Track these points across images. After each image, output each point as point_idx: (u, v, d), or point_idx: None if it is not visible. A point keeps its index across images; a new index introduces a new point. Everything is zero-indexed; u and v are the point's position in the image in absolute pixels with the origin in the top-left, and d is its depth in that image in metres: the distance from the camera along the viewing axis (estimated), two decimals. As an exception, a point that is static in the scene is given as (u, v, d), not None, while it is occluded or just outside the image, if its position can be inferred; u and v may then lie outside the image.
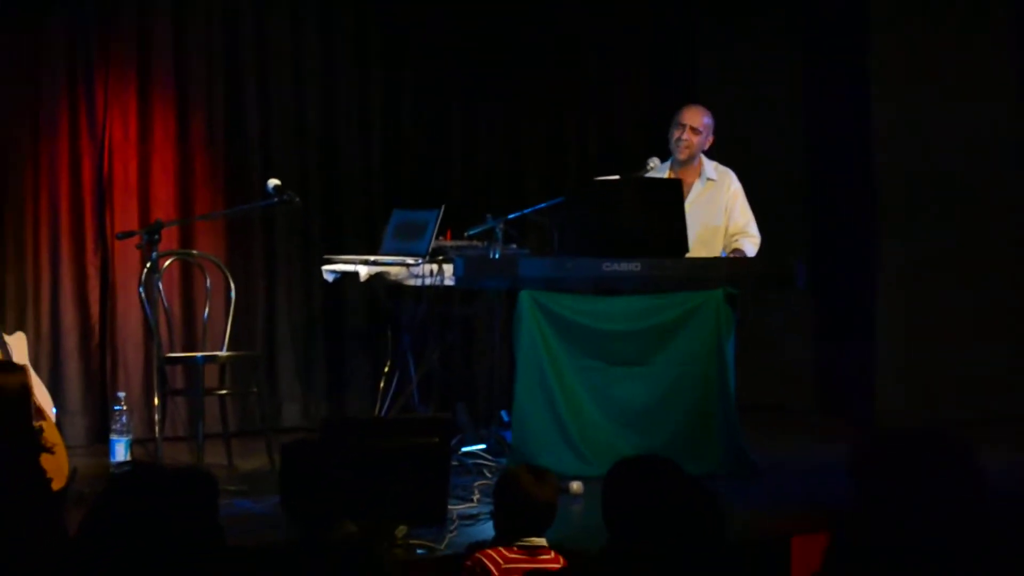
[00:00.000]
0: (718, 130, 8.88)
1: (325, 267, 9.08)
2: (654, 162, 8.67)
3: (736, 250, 8.53)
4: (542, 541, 5.26)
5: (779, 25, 10.91)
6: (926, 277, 9.99)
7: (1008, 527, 3.84)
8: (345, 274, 8.93)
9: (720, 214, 8.62)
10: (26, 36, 9.50)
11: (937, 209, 9.94)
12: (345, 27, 10.42)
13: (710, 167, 8.68)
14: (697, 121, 8.63)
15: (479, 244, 8.48)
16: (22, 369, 5.79)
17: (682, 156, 8.60)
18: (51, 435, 7.48)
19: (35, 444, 5.43)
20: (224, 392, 9.06)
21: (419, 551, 6.38)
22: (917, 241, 10.00)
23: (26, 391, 5.39)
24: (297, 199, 8.91)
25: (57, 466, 7.31)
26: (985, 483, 3.73)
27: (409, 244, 8.56)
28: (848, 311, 10.24)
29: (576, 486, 7.49)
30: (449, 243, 8.50)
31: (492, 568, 5.14)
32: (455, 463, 7.64)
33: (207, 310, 9.27)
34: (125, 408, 8.66)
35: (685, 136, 8.59)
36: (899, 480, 3.69)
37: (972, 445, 3.74)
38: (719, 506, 3.99)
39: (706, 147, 8.68)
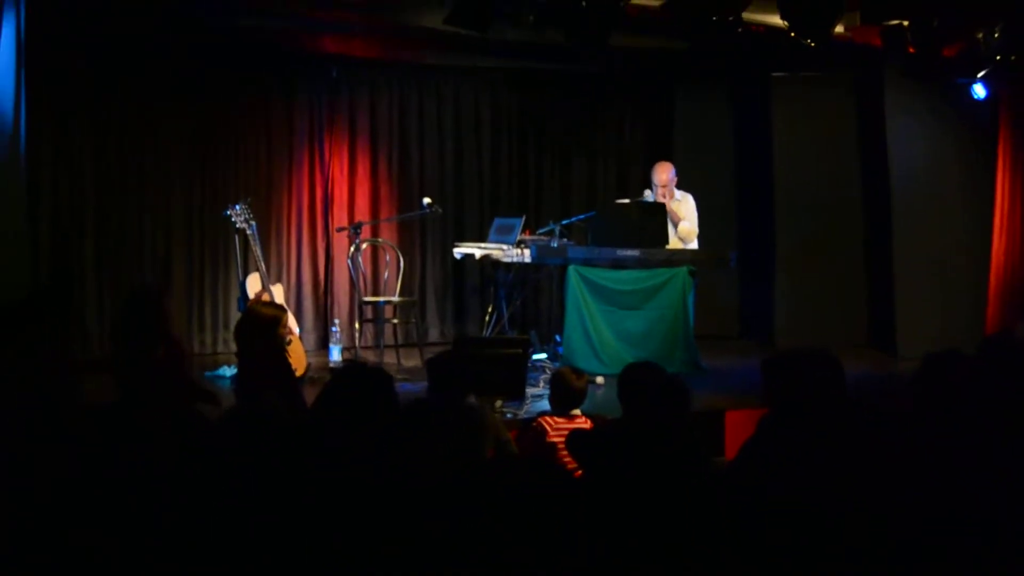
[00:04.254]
0: (683, 168, 8.79)
1: (455, 249, 9.02)
2: (648, 192, 8.57)
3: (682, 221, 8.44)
4: (577, 411, 5.23)
5: (722, 101, 10.75)
6: (802, 256, 9.85)
7: (858, 409, 3.77)
8: (466, 254, 8.88)
9: (684, 219, 8.48)
10: (286, 111, 9.55)
11: (808, 214, 9.79)
12: (469, 110, 10.34)
13: (678, 193, 8.51)
14: (664, 178, 8.45)
15: (545, 238, 8.41)
16: (280, 307, 5.81)
17: (659, 195, 8.45)
18: (296, 343, 7.52)
19: (283, 348, 5.45)
20: (395, 321, 9.03)
21: (507, 415, 6.40)
22: (796, 233, 9.86)
23: (278, 320, 5.40)
24: (439, 209, 8.91)
25: (299, 361, 7.35)
26: (844, 381, 3.66)
27: (504, 237, 8.51)
28: (758, 277, 10.12)
29: (600, 379, 7.46)
30: (528, 237, 8.43)
31: (548, 427, 5.12)
32: (530, 365, 7.57)
33: (386, 273, 9.31)
34: (338, 329, 8.70)
35: (660, 191, 8.44)
36: (793, 379, 3.63)
37: (838, 357, 3.69)
38: (686, 390, 3.95)
39: (674, 184, 8.52)
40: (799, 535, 3.09)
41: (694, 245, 8.48)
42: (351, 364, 5.32)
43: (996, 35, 7.95)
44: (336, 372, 4.00)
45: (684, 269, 8.07)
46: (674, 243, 8.35)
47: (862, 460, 3.44)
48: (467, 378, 4.92)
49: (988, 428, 3.63)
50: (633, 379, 4.01)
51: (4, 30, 6.74)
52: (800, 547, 3.05)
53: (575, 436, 4.27)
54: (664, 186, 8.44)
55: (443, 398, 4.76)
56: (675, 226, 8.41)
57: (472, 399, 5.12)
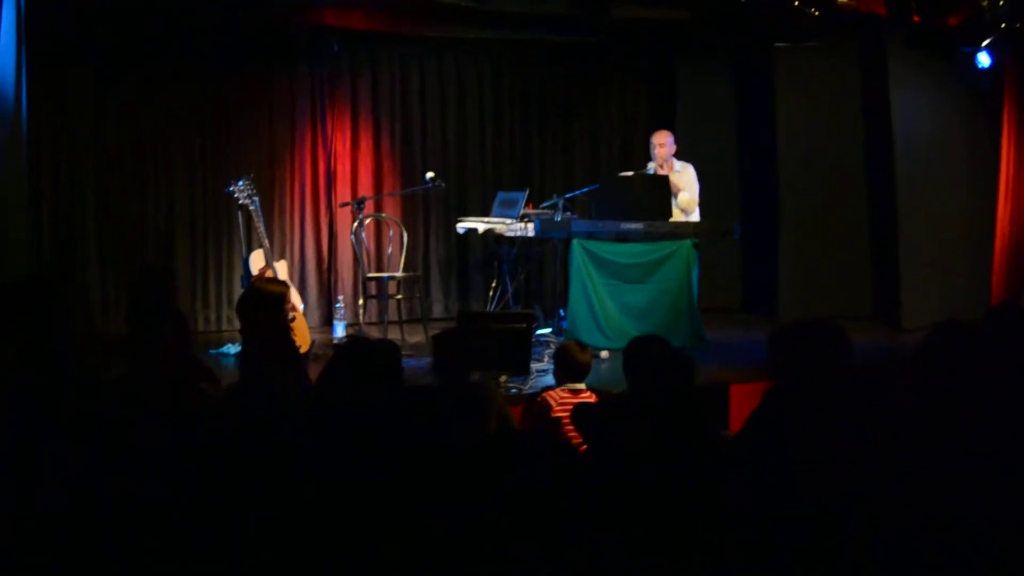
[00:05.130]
0: (685, 140, 8.81)
1: (458, 224, 9.01)
2: (651, 164, 8.55)
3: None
4: (582, 386, 5.22)
5: (724, 71, 10.71)
6: (805, 228, 9.82)
7: (863, 379, 3.76)
8: (470, 229, 8.86)
9: (684, 190, 8.45)
10: (288, 86, 9.53)
11: (811, 186, 9.76)
12: (471, 83, 10.31)
13: (678, 164, 8.47)
14: (663, 140, 8.42)
15: (548, 211, 8.39)
16: (283, 283, 5.81)
17: (658, 164, 8.44)
18: (300, 320, 7.51)
19: (287, 325, 5.44)
20: (399, 297, 9.01)
21: (512, 391, 6.41)
22: (800, 205, 9.81)
23: (282, 296, 5.39)
24: (442, 184, 8.91)
25: (304, 338, 7.34)
26: (850, 353, 3.65)
27: (508, 211, 8.49)
28: (762, 249, 10.09)
29: (604, 354, 7.45)
30: (531, 211, 8.41)
31: (552, 402, 5.12)
32: (534, 340, 7.56)
33: (390, 249, 9.29)
34: (342, 305, 8.70)
35: (658, 152, 8.42)
36: (799, 352, 3.62)
37: (844, 329, 3.67)
38: (692, 363, 3.94)
39: (672, 152, 8.45)
40: (804, 506, 3.09)
41: (695, 216, 8.44)
42: (355, 338, 5.31)
43: (1001, 3, 7.91)
44: (340, 346, 3.99)
45: (688, 242, 8.04)
46: (675, 214, 8.32)
47: (868, 432, 3.44)
48: (472, 354, 4.91)
49: (993, 399, 3.62)
50: (638, 352, 4.00)
51: (4, 9, 6.71)
52: (805, 519, 3.05)
53: (580, 410, 4.27)
54: (662, 146, 8.40)
55: (448, 375, 4.75)
56: (675, 196, 8.38)
57: (476, 375, 5.12)
